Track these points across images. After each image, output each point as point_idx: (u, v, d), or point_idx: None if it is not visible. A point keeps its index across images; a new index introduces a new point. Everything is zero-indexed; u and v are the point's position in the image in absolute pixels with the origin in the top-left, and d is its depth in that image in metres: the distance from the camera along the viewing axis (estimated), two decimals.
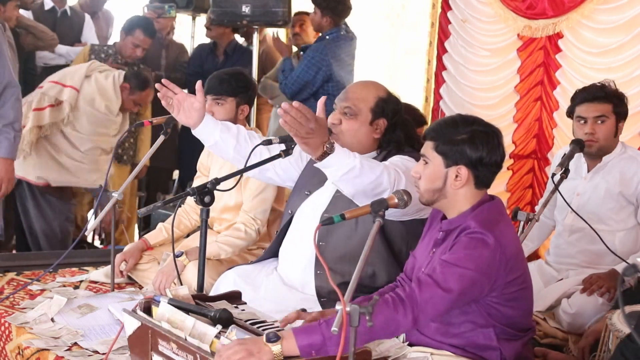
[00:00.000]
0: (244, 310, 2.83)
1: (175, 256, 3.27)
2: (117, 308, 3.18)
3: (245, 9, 5.58)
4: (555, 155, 4.03)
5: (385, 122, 3.10)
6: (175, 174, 6.73)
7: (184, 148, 6.24)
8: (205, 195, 2.86)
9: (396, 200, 2.55)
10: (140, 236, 4.59)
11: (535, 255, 4.33)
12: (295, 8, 5.96)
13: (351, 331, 2.09)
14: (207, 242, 2.93)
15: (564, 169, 3.48)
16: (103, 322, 3.14)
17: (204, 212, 2.88)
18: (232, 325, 2.51)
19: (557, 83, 5.46)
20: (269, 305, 3.00)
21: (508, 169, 5.73)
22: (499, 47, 5.78)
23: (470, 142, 2.54)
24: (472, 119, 2.61)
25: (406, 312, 2.36)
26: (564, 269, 3.78)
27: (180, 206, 3.92)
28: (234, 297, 2.91)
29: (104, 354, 2.81)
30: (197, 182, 3.94)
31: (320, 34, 5.72)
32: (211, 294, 3.07)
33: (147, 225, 5.74)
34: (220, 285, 3.24)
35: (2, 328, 3.13)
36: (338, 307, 2.08)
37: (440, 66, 6.16)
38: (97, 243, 6.09)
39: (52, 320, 3.13)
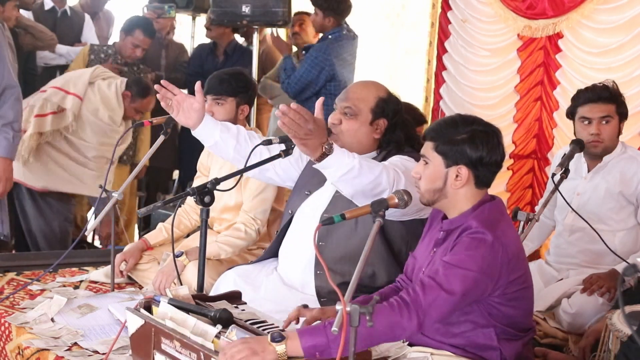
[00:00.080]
0: (244, 310, 2.83)
1: (175, 256, 3.27)
2: (117, 308, 3.18)
3: (245, 9, 5.59)
4: (555, 155, 4.02)
5: (385, 122, 3.10)
6: (175, 174, 6.73)
7: (184, 148, 6.25)
8: (205, 195, 2.86)
9: (396, 200, 2.55)
10: (140, 236, 4.59)
11: (536, 255, 4.32)
12: (295, 8, 5.97)
13: (351, 331, 2.09)
14: (207, 242, 2.93)
15: (564, 169, 3.48)
16: (103, 322, 3.14)
17: (204, 212, 2.88)
18: (232, 325, 2.51)
19: (557, 83, 5.46)
20: (269, 305, 3.00)
21: (508, 169, 5.73)
22: (499, 47, 5.78)
23: (470, 142, 2.54)
24: (471, 119, 2.61)
25: (411, 316, 2.36)
26: (564, 269, 3.78)
27: (180, 206, 3.92)
28: (234, 297, 2.91)
29: (104, 354, 2.81)
30: (197, 182, 3.94)
31: (321, 34, 5.72)
32: (211, 294, 3.07)
33: (147, 225, 5.74)
34: (220, 285, 3.24)
35: (2, 328, 3.13)
36: (338, 307, 2.08)
37: (440, 66, 6.16)
38: (97, 243, 6.09)
39: (52, 320, 3.13)
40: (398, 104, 3.15)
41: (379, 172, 2.81)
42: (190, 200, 3.92)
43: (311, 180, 3.21)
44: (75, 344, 2.93)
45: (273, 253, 3.34)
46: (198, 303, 2.69)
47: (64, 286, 3.63)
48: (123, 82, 5.17)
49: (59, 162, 5.09)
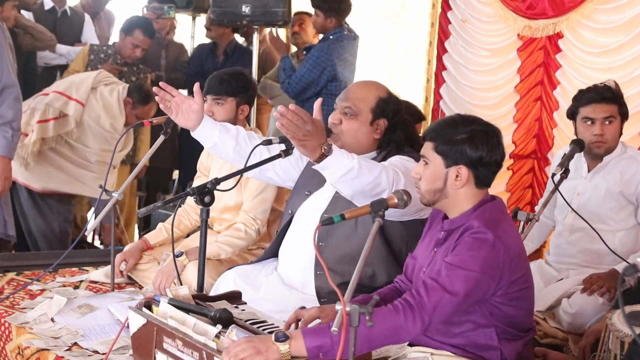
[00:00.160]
0: (244, 310, 2.83)
1: (175, 256, 3.27)
2: (117, 308, 3.19)
3: (245, 9, 5.59)
4: (555, 155, 4.02)
5: (385, 122, 3.10)
6: (175, 174, 6.73)
7: (184, 148, 6.25)
8: (205, 195, 2.86)
9: (396, 200, 2.55)
10: (140, 236, 4.59)
11: (537, 255, 4.33)
12: (295, 8, 5.97)
13: (351, 331, 2.09)
14: (207, 242, 2.93)
15: (564, 169, 3.48)
16: (103, 322, 3.14)
17: (204, 212, 2.88)
18: (232, 325, 2.51)
19: (557, 83, 5.46)
20: (269, 305, 3.00)
21: (508, 169, 5.73)
22: (499, 47, 5.78)
23: (469, 142, 2.53)
24: (471, 119, 2.61)
25: (415, 319, 2.36)
26: (564, 269, 3.78)
27: (180, 206, 3.92)
28: (234, 297, 2.91)
29: (104, 354, 2.81)
30: (197, 182, 3.94)
31: (322, 34, 5.72)
32: (211, 294, 3.07)
33: (147, 225, 5.74)
34: (220, 285, 3.24)
35: (2, 328, 3.13)
36: (338, 307, 2.08)
37: (440, 66, 6.16)
38: (97, 243, 6.09)
39: (52, 320, 3.13)
40: (398, 104, 3.15)
41: (379, 172, 2.81)
42: (190, 200, 3.93)
43: (311, 180, 3.20)
44: (75, 344, 2.93)
45: (273, 253, 3.34)
46: (198, 303, 2.69)
47: (64, 286, 3.63)
48: (125, 89, 5.17)
49: (60, 165, 5.10)
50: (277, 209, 3.86)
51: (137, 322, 2.55)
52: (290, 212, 3.27)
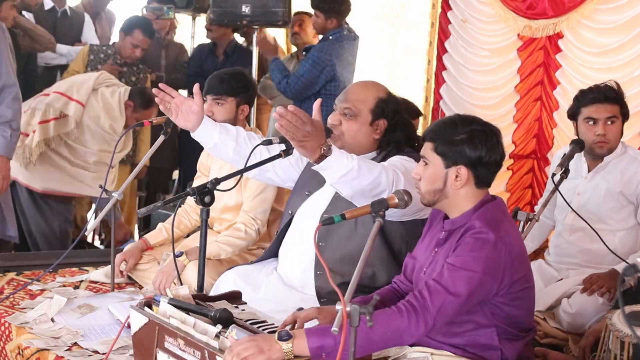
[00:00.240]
0: (244, 310, 2.83)
1: (175, 256, 3.27)
2: (117, 308, 3.19)
3: (245, 9, 5.59)
4: (555, 155, 4.02)
5: (385, 122, 3.09)
6: (175, 174, 6.73)
7: (184, 148, 6.25)
8: (205, 195, 2.86)
9: (396, 200, 2.55)
10: (140, 236, 4.59)
11: (538, 255, 4.32)
12: (295, 8, 5.97)
13: (351, 331, 2.09)
14: (207, 242, 2.93)
15: (564, 169, 3.48)
16: (103, 322, 3.14)
17: (204, 212, 2.88)
18: (232, 325, 2.51)
19: (557, 83, 5.46)
20: (269, 305, 3.00)
21: (508, 169, 5.73)
22: (499, 47, 5.78)
23: (469, 142, 2.53)
24: (470, 119, 2.61)
25: (418, 322, 2.36)
26: (564, 269, 3.78)
27: (180, 206, 3.92)
28: (234, 297, 2.91)
29: (104, 354, 2.81)
30: (197, 182, 3.95)
31: (322, 35, 5.72)
32: (211, 294, 3.07)
33: (147, 225, 5.74)
34: (220, 285, 3.24)
35: (2, 328, 3.13)
36: (338, 307, 2.08)
37: (440, 66, 6.16)
38: (97, 243, 6.09)
39: (52, 320, 3.13)
40: (398, 105, 3.15)
41: (378, 172, 2.81)
42: (190, 200, 3.93)
43: (311, 180, 3.20)
44: (75, 344, 2.93)
45: (273, 253, 3.34)
46: (198, 303, 2.69)
47: (64, 286, 3.63)
48: (127, 91, 5.17)
49: (60, 166, 5.10)
50: (277, 209, 3.86)
51: (138, 321, 2.55)
52: (290, 212, 3.27)
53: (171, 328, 2.43)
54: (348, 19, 5.74)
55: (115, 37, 6.53)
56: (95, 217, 3.59)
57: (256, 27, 5.88)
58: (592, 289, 3.48)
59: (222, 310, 2.54)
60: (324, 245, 3.08)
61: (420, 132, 3.73)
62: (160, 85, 3.08)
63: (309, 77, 5.47)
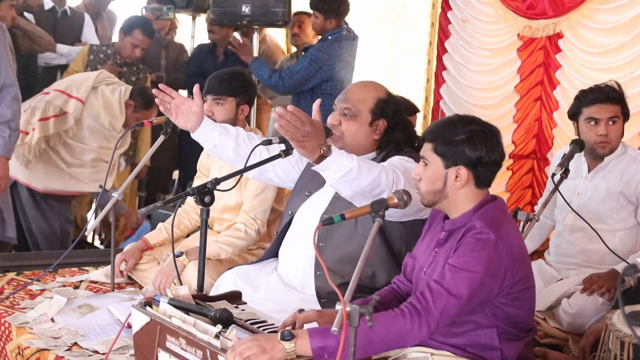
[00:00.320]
0: (244, 310, 2.83)
1: (175, 256, 3.27)
2: (117, 308, 3.19)
3: (245, 9, 5.59)
4: (555, 155, 4.02)
5: (385, 122, 3.09)
6: (175, 174, 6.73)
7: (184, 148, 6.25)
8: (205, 195, 2.86)
9: (396, 200, 2.54)
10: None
11: (538, 255, 4.32)
12: (295, 8, 5.97)
13: (351, 331, 2.09)
14: (207, 242, 2.93)
15: (564, 169, 3.48)
16: (103, 322, 3.14)
17: (204, 212, 2.88)
18: (232, 325, 2.51)
19: (557, 83, 5.46)
20: (269, 305, 3.00)
21: (508, 169, 5.73)
22: (499, 47, 5.78)
23: (468, 142, 2.53)
24: (469, 119, 2.60)
25: (421, 325, 2.36)
26: (564, 269, 3.78)
27: (180, 206, 3.92)
28: (234, 297, 2.91)
29: (104, 354, 2.81)
30: (197, 182, 3.95)
31: (321, 35, 5.73)
32: (211, 294, 3.07)
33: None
34: (220, 285, 3.24)
35: (2, 328, 3.13)
36: (338, 307, 2.08)
37: (440, 66, 6.16)
38: (97, 243, 6.09)
39: (52, 320, 3.13)
40: (397, 105, 3.14)
41: (378, 173, 2.81)
42: (190, 200, 3.93)
43: (311, 181, 3.20)
44: (75, 344, 2.93)
45: (273, 253, 3.34)
46: (198, 303, 2.69)
47: (64, 286, 3.63)
48: (128, 90, 5.17)
49: (59, 164, 5.10)
50: (277, 209, 3.86)
51: (140, 320, 2.55)
52: (290, 212, 3.27)
53: (173, 327, 2.43)
54: (348, 19, 5.74)
55: (116, 37, 6.54)
56: (96, 217, 3.59)
57: (256, 27, 5.88)
58: (592, 289, 3.48)
59: (222, 310, 2.54)
60: (323, 246, 3.08)
61: (419, 131, 3.73)
62: (160, 85, 3.08)
63: (305, 74, 5.47)
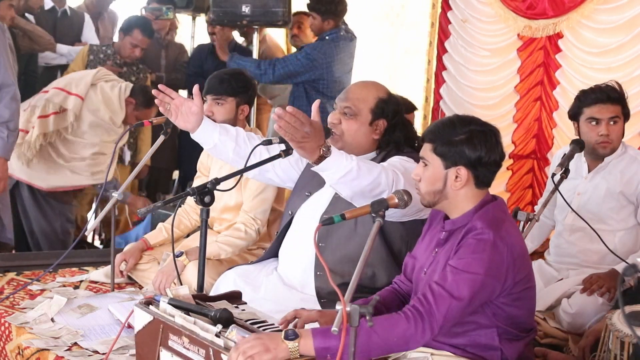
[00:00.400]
0: (244, 310, 2.82)
1: (175, 256, 3.27)
2: (117, 308, 3.19)
3: (245, 9, 5.59)
4: (555, 155, 4.02)
5: (385, 122, 3.09)
6: (175, 174, 6.73)
7: (184, 148, 6.25)
8: (205, 195, 2.86)
9: (396, 200, 2.54)
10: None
11: (538, 255, 4.33)
12: (294, 8, 5.96)
13: (351, 331, 2.09)
14: (207, 242, 2.93)
15: (564, 169, 3.48)
16: (103, 322, 3.14)
17: (204, 212, 2.88)
18: (232, 325, 2.51)
19: (557, 83, 5.46)
20: (269, 305, 3.00)
21: (508, 169, 5.73)
22: (499, 47, 5.78)
23: (468, 142, 2.53)
24: (469, 119, 2.60)
25: (425, 328, 2.36)
26: (564, 269, 3.78)
27: (180, 206, 3.92)
28: (234, 297, 2.91)
29: (104, 354, 2.81)
30: (197, 182, 3.95)
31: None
32: (211, 294, 3.07)
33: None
34: (220, 285, 3.24)
35: (2, 328, 3.13)
36: (338, 307, 2.08)
37: (440, 66, 6.16)
38: (97, 243, 6.09)
39: (52, 320, 3.13)
40: (398, 105, 3.15)
41: (378, 173, 2.80)
42: (190, 200, 3.93)
43: (311, 181, 3.20)
44: (75, 344, 2.94)
45: (273, 253, 3.34)
46: (198, 303, 2.69)
47: (64, 286, 3.63)
48: (128, 87, 5.17)
49: (56, 161, 5.10)
50: (277, 209, 3.86)
51: (142, 319, 2.55)
52: (290, 212, 3.27)
53: (176, 326, 2.43)
54: (348, 19, 5.74)
55: (117, 38, 6.54)
56: (95, 217, 3.59)
57: (256, 27, 5.88)
58: (592, 289, 3.48)
59: (222, 310, 2.54)
60: (323, 246, 3.08)
61: (419, 131, 3.73)
62: (159, 86, 3.08)
63: (295, 67, 5.50)
